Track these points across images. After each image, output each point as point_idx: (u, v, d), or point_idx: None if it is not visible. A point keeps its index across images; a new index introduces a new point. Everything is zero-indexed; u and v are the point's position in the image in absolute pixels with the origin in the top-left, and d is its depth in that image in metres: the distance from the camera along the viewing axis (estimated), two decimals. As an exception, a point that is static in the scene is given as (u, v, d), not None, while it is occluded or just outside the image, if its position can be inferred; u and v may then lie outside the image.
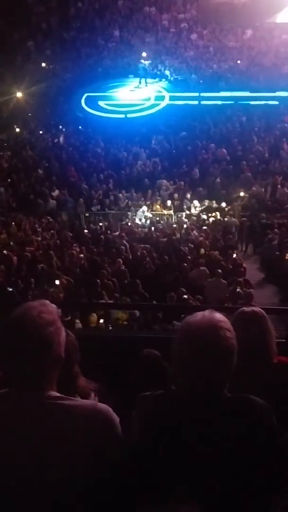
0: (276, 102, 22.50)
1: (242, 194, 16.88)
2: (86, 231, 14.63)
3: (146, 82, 24.59)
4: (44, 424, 1.62)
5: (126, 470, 1.72)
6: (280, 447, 1.82)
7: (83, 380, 2.54)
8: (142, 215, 16.36)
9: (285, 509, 1.72)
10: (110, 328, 7.55)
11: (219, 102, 22.94)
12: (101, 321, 7.96)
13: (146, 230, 14.95)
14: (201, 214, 16.57)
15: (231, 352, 1.74)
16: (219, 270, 10.93)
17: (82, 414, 1.66)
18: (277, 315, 6.34)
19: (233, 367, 1.76)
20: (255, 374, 2.34)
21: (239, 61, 25.00)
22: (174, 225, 15.63)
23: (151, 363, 3.07)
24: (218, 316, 1.79)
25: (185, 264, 11.58)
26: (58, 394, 1.69)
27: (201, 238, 13.93)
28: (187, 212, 16.77)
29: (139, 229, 15.17)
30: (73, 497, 1.59)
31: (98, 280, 9.65)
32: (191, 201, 16.96)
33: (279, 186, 17.07)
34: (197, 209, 16.82)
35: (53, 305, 1.78)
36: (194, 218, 16.46)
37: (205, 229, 15.25)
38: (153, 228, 15.07)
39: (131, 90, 24.61)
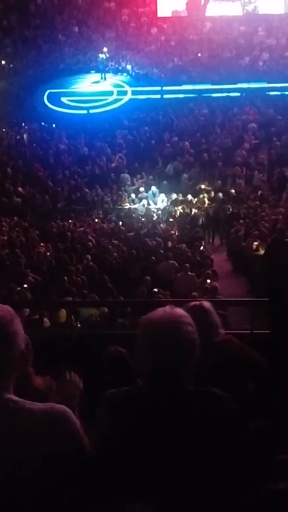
0: (237, 94, 22.71)
1: (203, 186, 17.00)
2: (53, 228, 14.50)
3: (105, 77, 24.50)
4: (1, 428, 1.60)
5: (87, 471, 1.71)
6: (245, 440, 1.84)
7: (38, 380, 2.53)
8: (143, 208, 16.35)
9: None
10: (79, 325, 7.51)
11: (181, 96, 23.02)
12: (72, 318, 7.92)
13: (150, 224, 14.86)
14: (167, 207, 16.64)
15: (193, 346, 1.75)
16: (187, 264, 11.01)
17: (40, 417, 1.64)
18: (243, 307, 6.46)
19: (195, 361, 1.76)
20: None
21: (199, 54, 25.12)
22: (143, 219, 15.69)
23: (117, 361, 3.08)
24: (179, 311, 1.80)
25: (153, 258, 11.62)
26: (15, 398, 1.67)
27: (171, 231, 14.04)
28: (154, 205, 16.81)
29: (139, 223, 15.07)
30: (31, 499, 1.58)
31: (66, 278, 9.60)
32: (157, 194, 17.00)
33: (256, 173, 17.20)
34: (164, 202, 16.88)
35: (6, 306, 1.75)
36: (161, 211, 16.53)
37: (172, 221, 15.34)
38: (120, 223, 15.06)
39: (91, 83, 24.48)
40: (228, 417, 1.77)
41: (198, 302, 2.89)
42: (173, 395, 1.74)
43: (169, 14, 26.26)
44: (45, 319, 7.43)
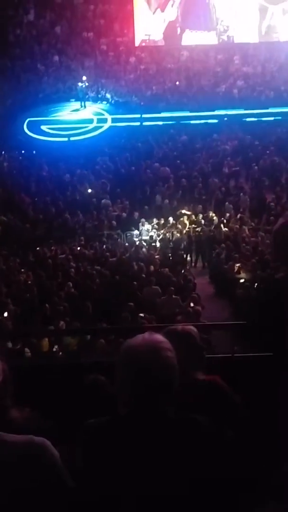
0: (215, 121, 23.10)
1: (184, 211, 17.14)
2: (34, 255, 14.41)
3: (85, 105, 24.80)
4: None
5: (67, 503, 1.67)
6: (227, 466, 1.81)
7: (15, 413, 2.47)
8: (147, 234, 16.40)
9: None
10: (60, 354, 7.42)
11: (161, 123, 23.34)
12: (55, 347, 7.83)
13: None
14: (149, 231, 16.69)
15: (173, 373, 1.74)
16: (172, 288, 11.02)
17: (19, 449, 1.60)
18: (225, 330, 6.45)
19: (176, 387, 1.75)
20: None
21: (177, 82, 25.57)
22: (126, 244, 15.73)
23: (97, 389, 3.02)
24: (158, 337, 1.79)
25: (135, 283, 11.61)
26: None
27: (153, 255, 14.07)
28: (136, 231, 16.85)
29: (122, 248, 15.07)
30: None
31: (48, 305, 9.51)
32: (138, 220, 17.06)
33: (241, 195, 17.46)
34: (146, 227, 16.94)
35: None
36: (142, 236, 16.58)
37: (154, 246, 15.39)
38: (104, 247, 15.07)
39: (71, 111, 24.74)
40: (210, 444, 1.74)
41: (180, 327, 2.76)
42: (155, 423, 1.71)
43: (146, 43, 26.69)
44: (26, 349, 7.33)
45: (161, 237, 16.26)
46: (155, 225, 16.89)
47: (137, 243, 15.70)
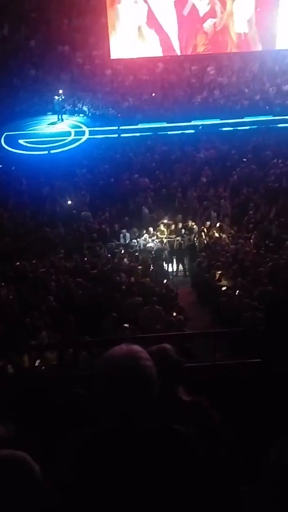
0: (192, 131, 23.32)
1: (165, 221, 17.21)
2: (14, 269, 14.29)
3: (62, 118, 24.92)
4: None
5: None
6: (209, 474, 1.81)
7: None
8: (128, 245, 16.38)
9: None
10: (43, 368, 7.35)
11: (138, 134, 23.48)
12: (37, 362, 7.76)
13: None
14: (130, 242, 16.70)
15: (152, 382, 1.75)
16: (154, 298, 11.01)
17: None
18: (207, 339, 6.46)
19: (155, 397, 1.76)
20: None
21: (153, 94, 25.78)
22: (109, 255, 15.70)
23: (79, 402, 3.01)
24: (136, 347, 1.81)
25: (117, 294, 11.57)
26: None
27: (135, 266, 14.06)
28: (116, 242, 16.84)
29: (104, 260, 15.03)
30: None
31: (29, 320, 9.42)
32: (119, 231, 17.07)
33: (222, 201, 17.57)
34: (126, 238, 16.94)
35: None
36: (124, 247, 16.57)
37: (136, 256, 15.39)
38: (85, 259, 15.02)
39: (48, 125, 24.78)
40: (191, 454, 1.75)
41: (155, 347, 2.74)
42: (135, 433, 1.71)
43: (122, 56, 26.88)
44: (9, 366, 7.25)
45: (142, 247, 16.28)
46: (136, 236, 16.91)
47: (118, 254, 15.69)
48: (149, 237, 16.60)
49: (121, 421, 1.71)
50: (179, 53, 26.91)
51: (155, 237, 16.67)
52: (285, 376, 2.65)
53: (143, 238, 16.50)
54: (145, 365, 1.76)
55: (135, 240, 16.65)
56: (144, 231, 16.94)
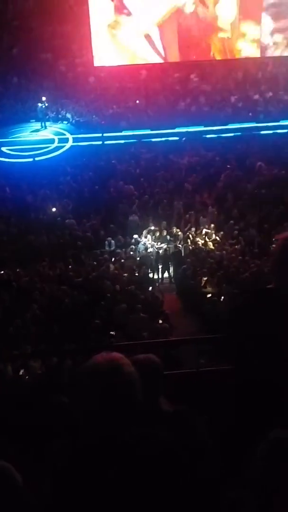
0: (176, 138, 23.37)
1: (152, 228, 17.19)
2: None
3: (46, 126, 24.87)
4: None
5: None
6: (191, 480, 1.79)
7: None
8: (143, 247, 16.34)
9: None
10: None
11: (122, 141, 23.47)
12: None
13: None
14: (115, 250, 16.63)
15: (134, 389, 1.76)
16: (139, 305, 10.97)
17: None
18: (193, 345, 6.42)
19: (139, 403, 1.76)
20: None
21: (137, 101, 25.83)
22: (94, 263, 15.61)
23: (61, 411, 2.95)
24: (117, 355, 1.82)
25: (102, 303, 11.51)
26: None
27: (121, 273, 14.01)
28: (101, 249, 16.76)
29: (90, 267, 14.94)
30: None
31: (13, 329, 9.31)
32: (104, 238, 16.99)
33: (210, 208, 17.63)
34: (111, 245, 16.87)
35: None
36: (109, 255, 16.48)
37: (122, 263, 15.33)
38: (70, 267, 14.92)
39: (32, 132, 24.71)
40: (173, 461, 1.75)
41: (141, 356, 2.72)
42: (118, 440, 1.71)
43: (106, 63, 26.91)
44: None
45: (127, 254, 16.22)
46: (121, 243, 16.85)
47: (103, 261, 15.61)
48: (134, 244, 16.54)
49: (103, 428, 1.71)
50: (162, 60, 26.97)
51: (140, 244, 16.64)
52: (250, 384, 2.63)
53: (142, 243, 16.42)
54: (127, 372, 1.76)
55: (120, 248, 16.58)
56: (129, 239, 16.89)
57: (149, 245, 16.44)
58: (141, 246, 16.39)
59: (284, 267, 2.75)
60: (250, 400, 2.58)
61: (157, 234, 16.91)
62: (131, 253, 16.20)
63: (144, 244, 16.52)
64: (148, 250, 16.29)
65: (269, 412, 2.40)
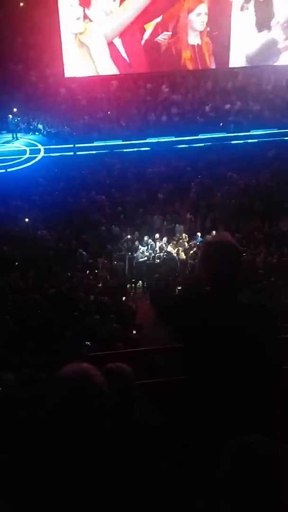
0: (147, 148, 23.54)
1: (129, 236, 17.21)
2: None
3: (17, 137, 24.79)
4: None
5: None
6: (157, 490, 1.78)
7: None
8: (142, 255, 16.28)
9: None
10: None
11: (94, 152, 23.51)
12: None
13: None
14: (88, 260, 16.57)
15: (103, 399, 1.76)
16: (112, 316, 10.93)
17: None
18: (168, 354, 6.41)
19: (108, 414, 1.76)
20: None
21: (109, 112, 25.93)
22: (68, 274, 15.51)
23: (34, 423, 2.91)
24: (86, 365, 1.82)
25: (76, 313, 11.44)
26: None
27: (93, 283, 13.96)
28: (74, 260, 16.66)
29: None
30: None
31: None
32: (76, 249, 16.91)
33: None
34: (84, 256, 16.80)
35: None
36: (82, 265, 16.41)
37: (94, 274, 15.27)
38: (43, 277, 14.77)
39: (2, 144, 24.61)
40: (142, 473, 1.77)
41: (112, 365, 2.70)
42: (87, 451, 1.71)
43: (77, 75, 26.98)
44: None
45: (100, 265, 16.17)
46: (93, 254, 16.79)
47: (76, 272, 15.53)
48: (106, 254, 16.51)
49: (73, 440, 1.70)
50: (133, 71, 27.18)
51: (114, 254, 16.61)
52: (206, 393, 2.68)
53: (140, 251, 16.38)
54: (96, 382, 1.76)
55: (92, 259, 16.53)
56: (102, 249, 16.85)
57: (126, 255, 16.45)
58: (141, 254, 16.39)
59: (211, 269, 2.81)
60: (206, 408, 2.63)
61: (130, 244, 16.92)
62: (105, 262, 16.16)
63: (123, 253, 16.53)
64: (122, 260, 16.27)
65: (227, 420, 2.43)
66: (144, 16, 25.85)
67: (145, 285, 15.97)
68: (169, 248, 16.61)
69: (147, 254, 16.40)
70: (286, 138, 23.70)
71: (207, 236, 14.28)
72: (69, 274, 15.30)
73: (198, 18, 26.18)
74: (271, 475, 1.54)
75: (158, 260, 16.24)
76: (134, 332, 10.89)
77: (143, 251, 16.44)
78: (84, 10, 25.57)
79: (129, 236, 17.17)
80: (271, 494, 1.52)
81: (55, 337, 10.24)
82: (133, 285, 16.02)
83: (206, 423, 2.61)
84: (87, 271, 15.65)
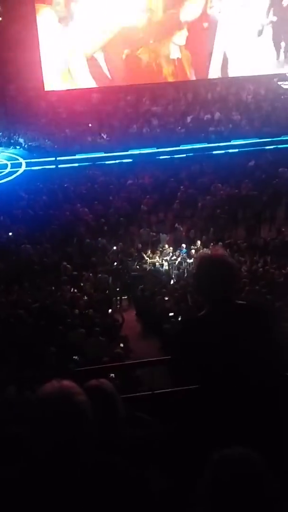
0: (130, 160, 23.59)
1: (115, 248, 17.15)
2: None
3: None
4: None
5: None
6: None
7: None
8: (71, 276, 15.96)
9: None
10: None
11: (76, 164, 23.48)
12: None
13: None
14: (72, 273, 16.43)
15: (85, 417, 1.71)
16: (97, 329, 10.84)
17: None
18: (151, 367, 6.36)
19: (91, 432, 1.71)
20: None
21: (90, 124, 25.95)
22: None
23: (17, 443, 2.82)
24: (68, 383, 1.77)
25: (60, 327, 11.31)
26: None
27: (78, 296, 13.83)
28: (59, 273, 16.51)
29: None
30: None
31: None
32: (60, 262, 16.77)
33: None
34: (68, 269, 16.66)
35: None
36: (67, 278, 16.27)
37: (79, 287, 15.14)
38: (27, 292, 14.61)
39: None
40: (129, 488, 1.76)
41: (93, 382, 2.59)
42: (71, 469, 1.68)
43: (56, 88, 27.04)
44: None
45: (85, 277, 16.05)
46: (78, 267, 16.67)
47: (61, 286, 15.39)
48: (91, 266, 16.41)
49: (56, 458, 1.66)
50: (113, 84, 27.32)
51: (98, 266, 16.51)
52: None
53: (85, 268, 16.27)
54: (78, 400, 1.72)
55: (76, 271, 16.40)
56: (86, 261, 16.74)
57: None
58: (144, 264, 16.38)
59: (203, 284, 2.79)
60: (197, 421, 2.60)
61: (115, 255, 16.84)
62: (90, 274, 16.05)
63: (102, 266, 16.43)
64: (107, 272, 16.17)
65: (213, 432, 2.40)
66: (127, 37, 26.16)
67: (131, 297, 15.88)
68: (154, 259, 16.56)
69: (134, 265, 16.32)
70: (266, 147, 23.91)
71: (201, 251, 14.33)
72: (53, 288, 15.16)
73: (179, 33, 26.56)
74: (252, 492, 1.48)
75: (143, 271, 16.16)
76: (122, 345, 10.83)
77: (127, 262, 16.37)
78: (63, 26, 25.73)
79: (114, 248, 17.12)
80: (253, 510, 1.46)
81: (40, 353, 10.11)
82: (118, 297, 15.91)
83: (202, 434, 2.57)
84: (72, 285, 15.51)
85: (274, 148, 23.87)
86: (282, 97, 27.94)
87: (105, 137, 25.24)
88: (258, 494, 1.46)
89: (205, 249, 16.69)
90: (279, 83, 28.55)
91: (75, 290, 14.78)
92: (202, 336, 2.72)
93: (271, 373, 2.60)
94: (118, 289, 15.84)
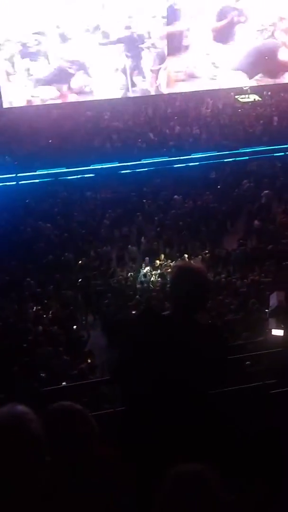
0: (92, 175, 23.57)
1: (80, 262, 17.06)
2: None
3: None
4: None
5: None
6: None
7: None
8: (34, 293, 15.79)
9: None
10: None
11: (37, 180, 23.29)
12: None
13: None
14: (36, 290, 16.24)
15: (40, 444, 1.65)
16: (60, 348, 10.76)
17: None
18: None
19: (43, 463, 1.67)
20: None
21: (50, 140, 25.83)
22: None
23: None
24: (21, 408, 1.71)
25: (25, 345, 11.15)
26: None
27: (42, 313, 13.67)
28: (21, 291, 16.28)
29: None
30: None
31: None
32: (23, 280, 16.55)
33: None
34: (32, 286, 16.46)
35: None
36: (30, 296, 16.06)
37: (45, 303, 14.96)
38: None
39: None
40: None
41: (60, 405, 2.53)
42: (21, 496, 1.63)
43: (15, 105, 26.89)
44: None
45: (49, 293, 15.87)
46: (41, 283, 16.48)
47: (24, 303, 15.18)
48: (55, 284, 16.25)
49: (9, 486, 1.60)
50: (73, 99, 27.39)
51: (61, 282, 16.37)
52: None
53: (48, 284, 16.09)
54: (32, 427, 1.65)
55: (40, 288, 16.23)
56: (49, 278, 16.58)
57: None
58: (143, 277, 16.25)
59: (175, 294, 2.90)
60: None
61: (80, 270, 16.74)
62: (55, 291, 15.89)
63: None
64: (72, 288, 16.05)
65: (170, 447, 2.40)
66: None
67: (95, 312, 15.79)
68: (119, 273, 16.56)
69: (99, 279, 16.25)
70: (224, 160, 24.31)
71: (177, 262, 14.50)
72: (16, 306, 14.93)
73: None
74: (204, 507, 1.48)
75: (108, 286, 16.10)
76: (89, 360, 10.76)
77: (91, 277, 16.30)
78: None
79: (80, 262, 17.03)
80: None
81: (6, 372, 9.93)
82: (83, 312, 15.78)
83: (156, 451, 2.56)
84: (35, 302, 15.31)
85: (232, 160, 24.28)
86: (239, 110, 28.51)
87: (66, 152, 25.13)
88: (210, 507, 1.47)
89: (169, 261, 16.83)
90: (236, 97, 29.13)
91: (39, 307, 14.60)
92: (152, 330, 2.82)
93: (192, 388, 2.66)
94: (82, 305, 15.75)
